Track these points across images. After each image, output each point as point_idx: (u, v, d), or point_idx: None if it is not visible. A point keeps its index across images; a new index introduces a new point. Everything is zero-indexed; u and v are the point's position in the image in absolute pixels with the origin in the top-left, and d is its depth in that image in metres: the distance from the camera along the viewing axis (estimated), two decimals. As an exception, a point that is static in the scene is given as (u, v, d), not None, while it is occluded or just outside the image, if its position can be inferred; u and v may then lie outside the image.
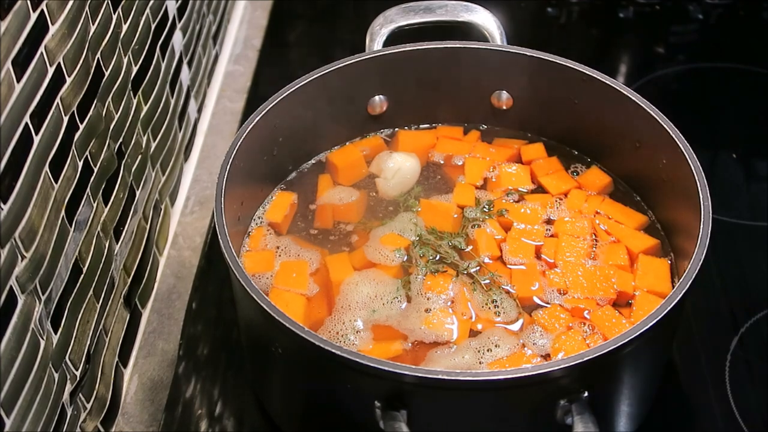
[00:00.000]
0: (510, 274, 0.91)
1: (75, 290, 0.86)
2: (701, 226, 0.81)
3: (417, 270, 0.90)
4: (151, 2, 1.05)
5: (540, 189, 1.00)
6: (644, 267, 0.90)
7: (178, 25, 1.16)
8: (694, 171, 0.85)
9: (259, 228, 0.96)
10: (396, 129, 1.07)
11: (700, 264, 0.78)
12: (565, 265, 0.90)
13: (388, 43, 1.03)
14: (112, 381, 0.96)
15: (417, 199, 0.98)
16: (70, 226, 0.84)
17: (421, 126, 1.07)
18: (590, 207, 0.97)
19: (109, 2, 0.93)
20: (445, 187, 1.00)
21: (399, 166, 1.01)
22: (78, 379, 0.87)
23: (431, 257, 0.92)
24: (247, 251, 0.94)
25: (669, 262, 0.91)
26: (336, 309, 0.88)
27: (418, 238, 0.93)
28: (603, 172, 1.01)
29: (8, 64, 0.72)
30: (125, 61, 0.98)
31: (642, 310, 0.86)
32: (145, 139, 1.05)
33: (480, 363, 0.83)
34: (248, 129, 0.91)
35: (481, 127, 1.07)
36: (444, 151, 1.04)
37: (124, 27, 0.97)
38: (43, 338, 0.79)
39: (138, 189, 1.03)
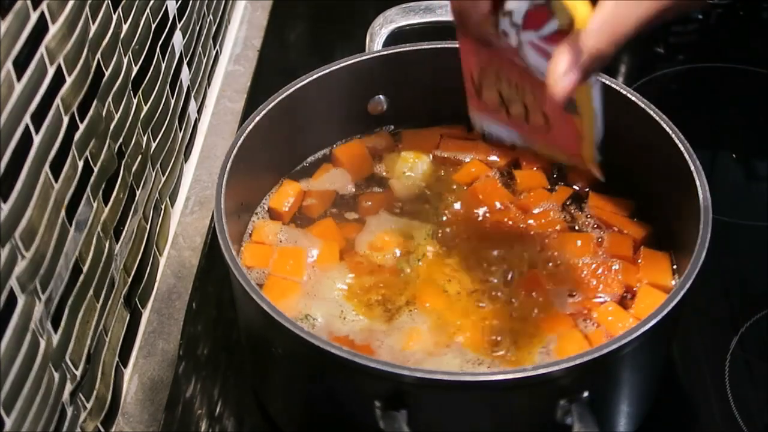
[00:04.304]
0: None
1: (75, 290, 0.86)
2: (701, 226, 0.80)
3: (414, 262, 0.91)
4: (151, 2, 1.05)
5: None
6: (646, 260, 0.90)
7: (178, 25, 1.16)
8: (694, 171, 0.85)
9: (261, 221, 0.96)
10: (396, 129, 1.07)
11: (700, 264, 0.78)
12: (569, 266, 0.90)
13: (388, 43, 1.03)
14: (112, 381, 0.96)
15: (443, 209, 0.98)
16: (70, 226, 0.84)
17: (420, 126, 1.07)
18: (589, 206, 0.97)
19: (109, 2, 0.93)
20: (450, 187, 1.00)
21: (412, 166, 1.01)
22: (78, 379, 0.87)
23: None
24: (248, 243, 0.94)
25: (670, 255, 0.91)
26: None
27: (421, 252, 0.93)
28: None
29: (8, 64, 0.72)
30: (125, 61, 0.98)
31: (644, 303, 0.86)
32: (145, 139, 1.05)
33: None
34: (248, 129, 0.91)
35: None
36: (448, 150, 1.04)
37: (124, 27, 0.97)
38: (43, 338, 0.79)
39: (138, 189, 1.03)
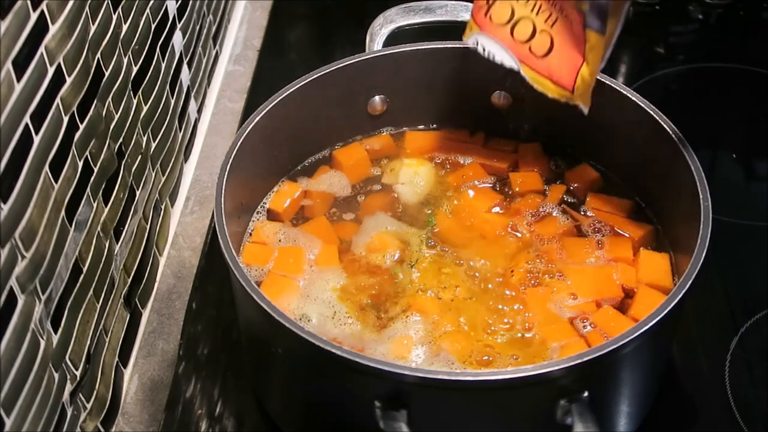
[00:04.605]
0: None
1: (75, 290, 0.86)
2: (701, 226, 0.81)
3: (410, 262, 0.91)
4: (151, 2, 1.05)
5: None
6: (645, 261, 0.90)
7: (178, 25, 1.16)
8: (694, 171, 0.85)
9: (261, 222, 0.96)
10: (396, 129, 1.07)
11: (700, 264, 0.78)
12: (570, 270, 0.90)
13: (388, 43, 1.03)
14: (112, 381, 0.96)
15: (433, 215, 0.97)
16: (70, 226, 0.84)
17: (420, 126, 1.07)
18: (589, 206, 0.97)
19: (109, 2, 0.93)
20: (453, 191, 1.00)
21: (415, 172, 1.01)
22: (78, 379, 0.87)
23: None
24: (248, 243, 0.94)
25: (669, 255, 0.91)
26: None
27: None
28: (590, 168, 1.01)
29: (8, 64, 0.72)
30: (125, 61, 0.98)
31: (642, 304, 0.86)
32: (145, 139, 1.05)
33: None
34: (248, 129, 0.91)
35: (481, 127, 1.07)
36: (450, 153, 1.04)
37: (124, 27, 0.97)
38: (43, 338, 0.79)
39: (138, 189, 1.03)
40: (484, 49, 0.91)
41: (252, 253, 0.93)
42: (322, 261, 0.92)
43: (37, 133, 0.77)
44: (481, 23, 0.91)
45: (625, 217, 0.96)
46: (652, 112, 0.91)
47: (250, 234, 0.95)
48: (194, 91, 1.25)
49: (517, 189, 0.99)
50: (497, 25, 0.89)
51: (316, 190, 1.00)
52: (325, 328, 0.86)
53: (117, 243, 0.97)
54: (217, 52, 1.37)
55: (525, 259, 0.91)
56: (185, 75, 1.20)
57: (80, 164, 0.87)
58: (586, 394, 0.73)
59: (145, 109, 1.05)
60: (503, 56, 0.89)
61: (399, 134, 1.07)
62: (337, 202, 1.00)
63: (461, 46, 1.00)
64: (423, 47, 1.00)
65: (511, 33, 0.88)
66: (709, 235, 0.80)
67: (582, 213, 0.97)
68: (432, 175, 1.01)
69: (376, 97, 1.04)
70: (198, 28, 1.25)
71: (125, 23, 0.97)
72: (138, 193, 1.03)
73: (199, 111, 1.28)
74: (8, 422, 0.73)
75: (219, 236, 0.80)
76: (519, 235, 0.94)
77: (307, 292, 0.89)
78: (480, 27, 0.91)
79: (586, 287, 0.88)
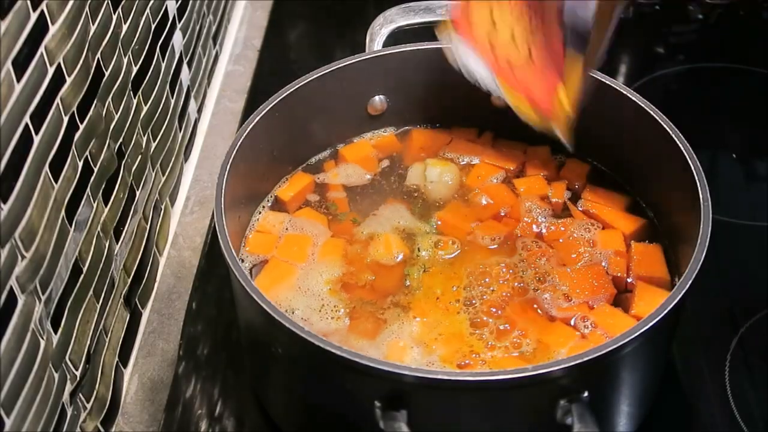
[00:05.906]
0: None
1: (75, 290, 0.86)
2: (701, 226, 0.81)
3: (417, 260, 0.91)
4: (151, 2, 1.05)
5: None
6: (638, 254, 0.91)
7: (178, 25, 1.16)
8: (694, 171, 0.85)
9: (268, 212, 0.97)
10: (395, 129, 1.07)
11: (700, 264, 0.78)
12: (562, 272, 0.90)
13: (388, 43, 1.03)
14: (112, 381, 0.96)
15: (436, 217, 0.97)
16: (70, 226, 0.84)
17: (419, 126, 1.07)
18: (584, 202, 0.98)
19: (109, 2, 0.93)
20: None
21: (441, 173, 1.01)
22: (78, 379, 0.87)
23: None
24: (254, 232, 0.95)
25: (662, 246, 0.92)
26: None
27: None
28: (582, 162, 1.01)
29: (8, 64, 0.72)
30: (125, 61, 0.98)
31: (643, 301, 0.86)
32: (145, 139, 1.05)
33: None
34: (248, 129, 0.91)
35: (486, 127, 1.07)
36: (458, 152, 1.04)
37: (124, 27, 0.97)
38: (43, 338, 0.79)
39: (138, 189, 1.03)
40: (463, 65, 0.84)
41: (257, 242, 0.94)
42: (324, 252, 0.92)
43: (37, 133, 0.77)
44: (464, 28, 0.83)
45: (621, 210, 0.96)
46: (652, 112, 0.91)
47: (251, 232, 0.95)
48: (194, 91, 1.25)
49: (521, 193, 0.99)
50: (477, 34, 0.81)
51: (326, 182, 1.01)
52: (311, 320, 0.87)
53: (117, 243, 0.97)
54: (217, 52, 1.37)
55: (522, 262, 0.91)
56: (185, 75, 1.20)
57: (80, 164, 0.87)
58: (586, 394, 0.73)
59: (145, 109, 1.05)
60: (482, 72, 0.82)
61: (405, 132, 1.06)
62: (348, 192, 1.00)
63: (461, 46, 1.00)
64: (423, 47, 1.00)
65: (491, 46, 0.80)
66: (709, 235, 0.80)
67: (578, 208, 0.97)
68: (458, 175, 1.01)
69: (376, 97, 1.04)
70: (198, 28, 1.25)
71: (125, 23, 0.97)
72: (138, 193, 1.03)
73: (199, 111, 1.28)
74: (8, 422, 0.73)
75: (219, 236, 0.81)
76: (519, 234, 0.94)
77: (299, 283, 0.89)
78: (461, 34, 0.83)
79: (579, 288, 0.88)
